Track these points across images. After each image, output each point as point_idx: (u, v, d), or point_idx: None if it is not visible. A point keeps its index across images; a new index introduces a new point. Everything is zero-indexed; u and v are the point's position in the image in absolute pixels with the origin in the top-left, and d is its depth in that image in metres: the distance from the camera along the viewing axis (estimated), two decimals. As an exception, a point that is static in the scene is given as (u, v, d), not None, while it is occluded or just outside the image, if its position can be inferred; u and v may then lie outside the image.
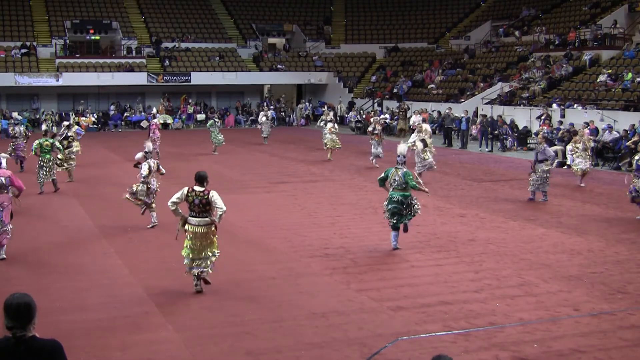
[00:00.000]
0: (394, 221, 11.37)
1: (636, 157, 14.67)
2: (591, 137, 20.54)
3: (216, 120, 27.46)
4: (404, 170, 11.38)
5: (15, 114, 29.51)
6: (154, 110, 29.42)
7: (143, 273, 10.27)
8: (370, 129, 22.97)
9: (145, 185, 13.24)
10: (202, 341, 7.67)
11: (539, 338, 7.77)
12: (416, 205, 11.47)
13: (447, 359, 3.72)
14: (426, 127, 20.31)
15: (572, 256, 11.34)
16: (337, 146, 24.09)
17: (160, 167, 13.73)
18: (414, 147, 18.46)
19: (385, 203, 11.52)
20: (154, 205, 13.32)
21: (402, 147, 11.65)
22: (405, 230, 11.56)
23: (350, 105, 40.26)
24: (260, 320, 8.30)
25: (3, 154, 12.56)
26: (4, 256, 11.01)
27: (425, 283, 9.86)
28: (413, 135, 19.61)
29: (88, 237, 12.80)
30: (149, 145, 13.87)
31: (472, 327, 8.06)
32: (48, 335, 4.10)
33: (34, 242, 12.21)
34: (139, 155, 13.94)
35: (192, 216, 9.26)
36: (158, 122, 25.58)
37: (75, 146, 21.84)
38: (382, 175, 11.74)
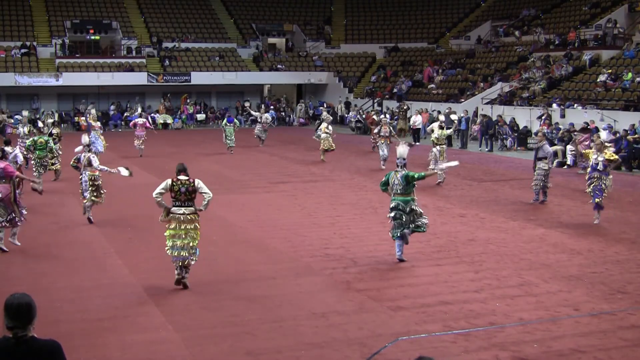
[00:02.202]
0: (397, 232, 10.69)
1: (593, 157, 13.95)
2: (609, 144, 19.28)
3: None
4: (403, 172, 10.75)
5: (24, 113, 29.42)
6: (139, 110, 29.59)
7: (143, 273, 10.27)
8: (376, 130, 22.89)
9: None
10: (202, 341, 7.67)
11: (539, 338, 7.77)
12: (422, 218, 10.82)
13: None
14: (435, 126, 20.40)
15: (572, 256, 11.34)
16: (331, 148, 23.73)
17: (93, 161, 13.92)
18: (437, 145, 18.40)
19: (390, 209, 10.94)
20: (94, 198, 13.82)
21: (402, 149, 11.18)
22: (406, 242, 10.81)
23: (347, 105, 40.25)
24: (260, 320, 8.30)
25: (18, 148, 13.12)
26: (18, 243, 11.59)
27: (425, 283, 9.86)
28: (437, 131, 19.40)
29: (88, 236, 12.81)
30: (84, 139, 14.39)
31: (472, 327, 8.06)
32: (48, 336, 4.10)
33: (33, 242, 12.20)
34: (78, 148, 14.45)
35: (177, 206, 9.47)
36: (145, 121, 25.71)
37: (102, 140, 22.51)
38: (384, 179, 11.10)
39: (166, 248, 9.52)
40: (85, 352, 7.32)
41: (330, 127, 23.89)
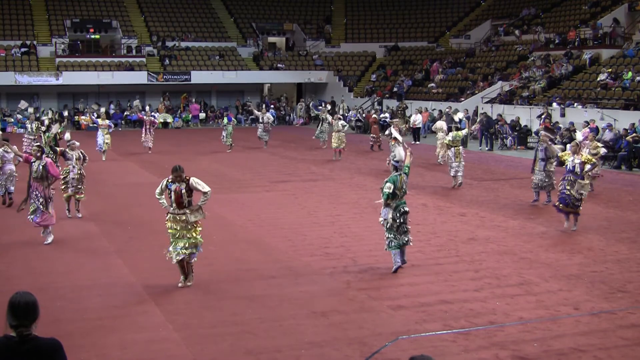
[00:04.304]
0: (404, 240, 10.17)
1: (569, 159, 13.09)
2: (599, 144, 18.53)
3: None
4: (404, 174, 10.35)
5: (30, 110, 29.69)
6: (147, 108, 29.88)
7: (143, 272, 10.26)
8: (387, 132, 22.78)
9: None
10: (202, 340, 7.68)
11: (539, 337, 7.77)
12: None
13: (426, 358, 3.69)
14: (442, 124, 20.44)
15: (572, 255, 11.34)
16: (342, 146, 23.89)
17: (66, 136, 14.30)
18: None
19: (392, 216, 10.11)
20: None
21: (401, 152, 10.70)
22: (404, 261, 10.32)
23: (332, 105, 40.11)
24: (260, 319, 8.30)
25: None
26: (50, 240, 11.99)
27: (425, 282, 9.86)
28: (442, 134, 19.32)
29: (88, 236, 12.80)
30: (67, 136, 14.56)
31: (472, 326, 8.06)
32: (48, 335, 4.10)
33: (33, 241, 12.19)
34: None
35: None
36: (149, 119, 26.11)
37: (107, 139, 23.46)
38: (392, 186, 10.10)
39: (200, 246, 9.60)
40: (85, 351, 7.32)
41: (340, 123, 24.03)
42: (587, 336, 7.80)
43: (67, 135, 15.16)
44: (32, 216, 11.95)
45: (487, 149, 27.65)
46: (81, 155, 14.26)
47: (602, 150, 17.93)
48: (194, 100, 40.78)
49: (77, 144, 14.63)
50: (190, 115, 39.96)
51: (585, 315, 8.48)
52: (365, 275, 10.16)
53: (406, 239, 10.23)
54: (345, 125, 24.51)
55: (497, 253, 11.42)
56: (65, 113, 36.28)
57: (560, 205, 12.98)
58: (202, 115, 40.53)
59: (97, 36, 41.85)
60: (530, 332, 7.94)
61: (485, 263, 10.82)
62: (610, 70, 29.30)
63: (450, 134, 18.34)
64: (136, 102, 38.25)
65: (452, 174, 18.08)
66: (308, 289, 9.52)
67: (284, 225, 13.53)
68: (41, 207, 11.85)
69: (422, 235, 12.50)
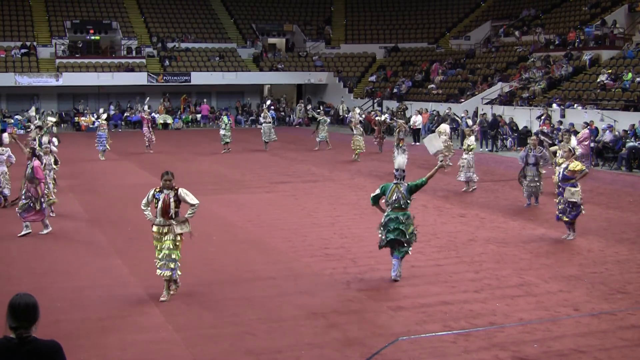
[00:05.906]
0: (388, 239, 9.69)
1: (562, 165, 12.58)
2: (583, 141, 18.31)
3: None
4: (406, 184, 9.83)
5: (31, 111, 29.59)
6: (146, 108, 29.92)
7: (143, 273, 10.26)
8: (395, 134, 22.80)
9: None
10: (202, 341, 7.68)
11: (539, 338, 7.77)
12: (413, 236, 9.83)
13: None
14: (445, 127, 20.29)
15: (572, 256, 11.34)
16: (359, 150, 24.23)
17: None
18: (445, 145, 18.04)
19: (382, 223, 9.84)
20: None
21: (401, 160, 10.32)
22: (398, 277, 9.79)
23: (320, 104, 40.14)
24: (260, 320, 8.30)
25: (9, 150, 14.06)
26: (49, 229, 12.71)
27: (425, 283, 9.86)
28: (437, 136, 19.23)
29: (87, 236, 12.80)
30: (44, 139, 15.07)
31: (472, 327, 8.06)
32: (48, 336, 4.11)
33: (33, 241, 12.20)
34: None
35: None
36: (148, 117, 26.42)
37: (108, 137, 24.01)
38: (378, 192, 9.91)
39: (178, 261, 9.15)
40: (85, 351, 7.32)
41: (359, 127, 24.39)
42: (587, 337, 7.80)
43: (45, 139, 15.30)
44: (19, 211, 12.56)
45: (487, 150, 27.64)
46: (55, 159, 14.70)
47: (578, 152, 17.88)
48: (205, 100, 40.89)
49: (54, 149, 14.91)
50: (190, 117, 40.03)
51: (585, 316, 8.48)
52: (365, 276, 10.16)
53: (388, 238, 9.68)
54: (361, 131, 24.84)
55: (497, 254, 11.42)
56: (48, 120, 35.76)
57: (560, 215, 12.51)
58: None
59: (97, 37, 41.87)
60: (530, 333, 7.94)
61: (485, 264, 10.82)
62: (610, 71, 29.31)
63: (471, 138, 17.99)
64: (147, 102, 37.64)
65: (463, 179, 17.60)
66: (308, 289, 9.52)
67: (284, 226, 13.53)
68: (31, 204, 12.42)
69: (422, 236, 12.45)
